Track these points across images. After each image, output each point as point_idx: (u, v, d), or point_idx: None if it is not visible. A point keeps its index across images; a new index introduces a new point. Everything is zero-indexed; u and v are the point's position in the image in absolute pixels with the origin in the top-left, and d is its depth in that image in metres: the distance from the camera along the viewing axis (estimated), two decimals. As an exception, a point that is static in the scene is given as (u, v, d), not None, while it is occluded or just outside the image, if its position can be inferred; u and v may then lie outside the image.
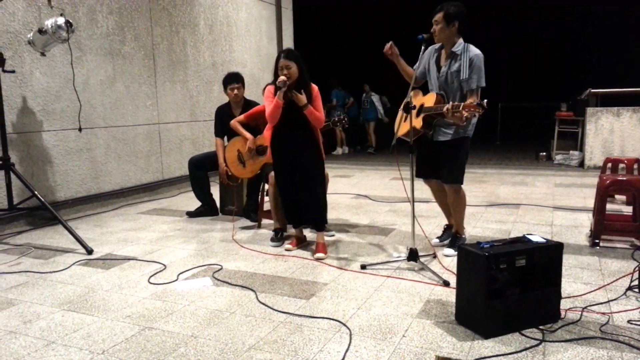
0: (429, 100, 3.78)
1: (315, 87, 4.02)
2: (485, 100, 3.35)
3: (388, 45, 3.91)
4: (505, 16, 17.58)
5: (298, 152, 4.01)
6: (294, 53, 3.93)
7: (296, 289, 3.32)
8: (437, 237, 4.25)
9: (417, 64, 3.99)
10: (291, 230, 4.59)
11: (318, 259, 3.92)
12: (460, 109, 3.37)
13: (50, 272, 3.74)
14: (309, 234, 4.52)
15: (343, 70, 12.76)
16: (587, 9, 16.21)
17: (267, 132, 4.15)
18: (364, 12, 17.61)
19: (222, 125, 5.28)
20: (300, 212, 4.18)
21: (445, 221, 4.34)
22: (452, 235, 4.09)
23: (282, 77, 3.80)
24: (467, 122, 3.69)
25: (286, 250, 4.17)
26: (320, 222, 4.12)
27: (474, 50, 3.70)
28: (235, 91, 5.14)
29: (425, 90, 3.98)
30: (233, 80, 5.15)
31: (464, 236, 4.08)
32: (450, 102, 3.54)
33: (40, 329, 2.79)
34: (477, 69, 3.64)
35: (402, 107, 3.65)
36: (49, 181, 5.43)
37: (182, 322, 2.85)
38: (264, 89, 4.11)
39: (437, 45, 3.88)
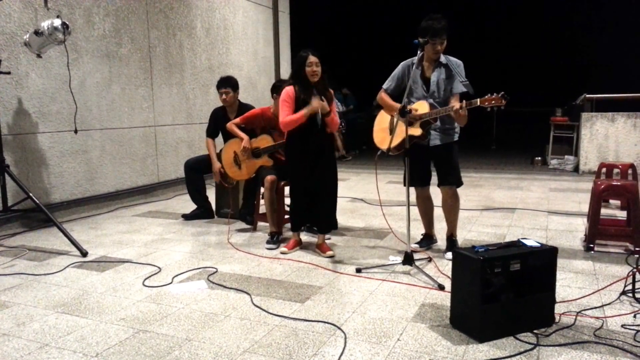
0: (421, 108, 3.79)
1: (331, 91, 4.05)
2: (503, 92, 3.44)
3: None
4: (501, 21, 17.66)
5: (318, 155, 4.01)
6: (318, 53, 3.94)
7: (291, 292, 3.31)
8: (416, 243, 4.26)
9: (388, 82, 4.02)
10: (287, 234, 4.60)
11: (330, 257, 4.02)
12: (478, 103, 3.48)
13: (45, 274, 3.72)
14: (304, 237, 4.52)
15: (340, 74, 12.76)
16: (584, 14, 16.30)
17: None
18: (360, 15, 17.67)
19: (215, 126, 5.35)
20: (308, 215, 4.18)
21: (422, 229, 4.37)
22: (449, 239, 4.11)
23: (324, 104, 3.85)
24: (457, 125, 3.90)
25: (282, 253, 4.17)
26: (332, 227, 4.19)
27: (456, 59, 3.87)
28: (224, 95, 5.18)
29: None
30: (222, 84, 5.20)
31: (456, 237, 4.15)
32: (457, 103, 3.64)
33: (33, 332, 2.78)
34: (464, 74, 3.79)
35: (398, 113, 3.66)
36: (44, 183, 5.42)
37: (176, 325, 2.84)
38: (281, 90, 4.04)
39: (411, 61, 3.91)
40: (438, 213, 4.24)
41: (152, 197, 6.74)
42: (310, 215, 4.20)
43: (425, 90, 3.87)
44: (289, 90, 3.95)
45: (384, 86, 4.04)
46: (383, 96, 4.02)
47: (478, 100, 3.49)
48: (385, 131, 3.97)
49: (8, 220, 4.98)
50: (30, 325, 2.86)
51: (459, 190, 4.03)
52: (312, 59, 3.87)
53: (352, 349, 2.52)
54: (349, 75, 13.63)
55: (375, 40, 18.33)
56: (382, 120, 4.10)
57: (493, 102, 3.43)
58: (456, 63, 3.83)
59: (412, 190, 3.93)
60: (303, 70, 3.89)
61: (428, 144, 3.89)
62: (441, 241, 4.26)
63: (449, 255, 3.94)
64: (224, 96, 5.18)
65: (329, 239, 4.56)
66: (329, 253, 4.07)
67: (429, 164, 4.01)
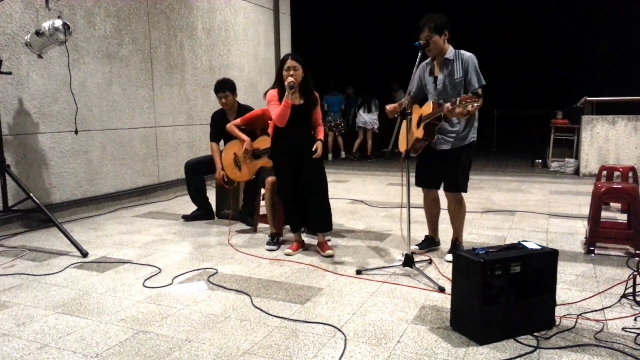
0: (427, 109, 3.79)
1: (316, 94, 4.13)
2: (480, 89, 3.44)
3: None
4: (502, 24, 17.67)
5: (302, 154, 4.03)
6: (300, 57, 4.01)
7: (291, 293, 3.31)
8: (417, 245, 4.24)
9: (410, 84, 4.04)
10: (287, 235, 4.60)
11: (329, 256, 4.04)
12: (457, 103, 3.42)
13: (45, 275, 3.72)
14: (304, 238, 4.51)
15: (340, 75, 12.78)
16: (584, 16, 16.31)
17: (270, 130, 4.19)
18: (360, 17, 17.69)
19: (218, 130, 5.30)
20: (301, 215, 4.19)
21: (426, 231, 4.35)
22: (453, 243, 4.09)
23: (290, 79, 3.86)
24: (469, 128, 3.81)
25: (286, 254, 4.16)
26: (327, 226, 4.18)
27: (466, 53, 3.80)
28: (223, 100, 5.15)
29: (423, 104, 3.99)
30: (220, 88, 5.16)
31: (462, 245, 4.08)
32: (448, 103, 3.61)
33: (33, 332, 2.78)
34: (472, 69, 3.73)
35: (399, 114, 3.68)
36: (44, 183, 5.42)
37: (176, 326, 2.84)
38: (265, 93, 4.16)
39: (427, 60, 3.93)
40: (444, 216, 4.23)
41: (152, 198, 6.74)
42: (304, 214, 4.21)
43: (434, 89, 3.88)
44: (273, 92, 4.06)
45: (408, 89, 4.07)
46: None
47: (457, 99, 3.43)
48: (403, 133, 3.95)
49: (8, 220, 4.98)
50: (30, 326, 2.86)
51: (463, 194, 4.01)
52: (289, 63, 3.94)
53: (352, 351, 2.52)
54: (349, 76, 13.65)
55: (377, 41, 18.35)
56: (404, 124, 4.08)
57: (468, 100, 3.37)
58: (462, 58, 3.76)
59: (415, 192, 3.92)
60: (282, 73, 3.97)
61: (435, 147, 3.87)
62: (445, 244, 4.25)
63: (449, 256, 3.94)
64: (223, 100, 5.15)
65: (329, 240, 4.55)
66: (328, 252, 4.09)
67: (437, 167, 3.96)
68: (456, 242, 4.07)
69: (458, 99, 3.44)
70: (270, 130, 4.17)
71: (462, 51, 3.80)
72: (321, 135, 4.15)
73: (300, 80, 3.97)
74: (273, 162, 4.27)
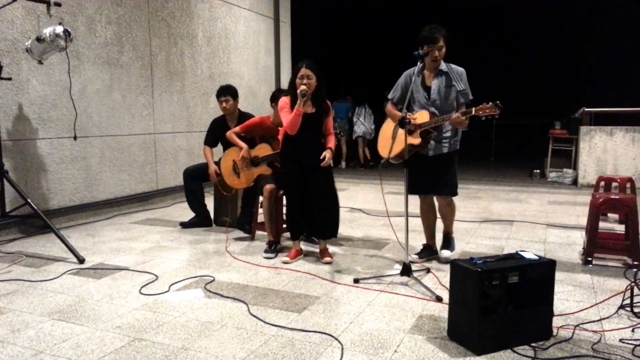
0: (421, 117, 3.84)
1: (328, 103, 4.14)
2: (498, 101, 3.50)
3: None
4: (500, 34, 17.77)
5: (311, 162, 4.02)
6: (314, 65, 3.99)
7: (288, 302, 3.30)
8: (416, 254, 4.24)
9: (392, 92, 4.10)
10: (285, 243, 4.59)
11: (327, 263, 4.07)
12: (473, 113, 3.55)
13: (41, 281, 3.71)
14: (303, 246, 4.50)
15: (340, 84, 12.81)
16: (583, 26, 16.40)
17: (281, 137, 4.21)
18: (360, 27, 17.79)
19: (214, 136, 5.36)
20: (305, 223, 4.20)
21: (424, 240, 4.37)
22: (445, 236, 4.20)
23: (303, 87, 3.85)
24: (458, 135, 3.98)
25: (283, 262, 4.15)
26: (331, 233, 4.21)
27: (458, 67, 3.93)
28: (224, 104, 5.20)
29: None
30: (222, 93, 5.22)
31: (453, 236, 4.24)
32: (455, 112, 3.75)
33: (28, 339, 2.76)
34: (466, 83, 3.87)
35: (398, 123, 3.71)
36: (42, 189, 5.41)
37: (172, 333, 2.83)
38: (275, 98, 4.18)
39: (413, 70, 3.92)
40: (440, 225, 4.25)
41: (150, 205, 6.73)
42: (309, 222, 4.23)
43: (427, 99, 3.91)
44: (285, 99, 4.06)
45: (389, 96, 4.12)
46: (389, 107, 4.10)
47: (473, 109, 3.58)
48: (388, 140, 4.00)
49: (6, 226, 4.96)
50: (26, 332, 2.84)
51: (456, 200, 4.08)
52: (303, 71, 3.92)
53: (349, 360, 2.51)
54: (349, 83, 13.68)
55: (376, 51, 18.43)
56: (386, 129, 4.14)
57: (487, 111, 3.50)
58: (457, 71, 3.88)
59: (412, 201, 3.94)
60: (295, 81, 3.97)
61: (427, 153, 3.94)
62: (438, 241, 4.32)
63: (445, 252, 4.10)
64: (224, 104, 5.20)
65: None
66: (327, 259, 4.11)
67: (431, 173, 4.01)
68: (449, 236, 4.19)
69: (474, 108, 3.57)
70: (280, 137, 4.17)
71: (452, 64, 3.92)
72: (332, 144, 4.13)
73: (314, 89, 3.95)
74: (281, 168, 4.27)
